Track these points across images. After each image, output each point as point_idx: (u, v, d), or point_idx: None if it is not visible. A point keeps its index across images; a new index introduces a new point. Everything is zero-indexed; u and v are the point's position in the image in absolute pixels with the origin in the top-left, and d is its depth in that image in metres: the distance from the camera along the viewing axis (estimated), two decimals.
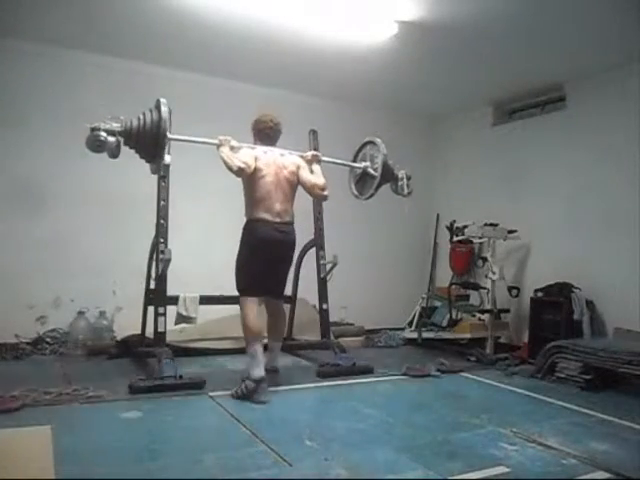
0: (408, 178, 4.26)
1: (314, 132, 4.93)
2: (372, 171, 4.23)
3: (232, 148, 3.71)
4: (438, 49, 4.68)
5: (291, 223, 3.84)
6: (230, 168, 3.61)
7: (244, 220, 3.81)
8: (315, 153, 4.11)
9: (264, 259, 3.71)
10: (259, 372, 3.52)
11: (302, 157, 3.99)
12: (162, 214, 4.08)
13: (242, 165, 3.61)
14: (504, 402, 3.80)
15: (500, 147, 6.14)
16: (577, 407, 3.63)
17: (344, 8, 3.97)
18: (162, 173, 4.08)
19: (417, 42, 4.51)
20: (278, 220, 3.73)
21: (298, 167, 3.90)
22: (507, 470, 2.52)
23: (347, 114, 6.26)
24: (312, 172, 3.94)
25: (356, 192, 4.42)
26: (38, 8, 4.15)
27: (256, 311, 3.71)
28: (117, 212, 5.03)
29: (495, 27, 4.19)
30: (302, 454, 2.61)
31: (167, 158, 4.09)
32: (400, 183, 4.26)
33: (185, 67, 5.31)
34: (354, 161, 4.41)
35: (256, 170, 3.70)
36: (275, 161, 3.81)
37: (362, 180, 4.37)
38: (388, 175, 4.23)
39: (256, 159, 3.72)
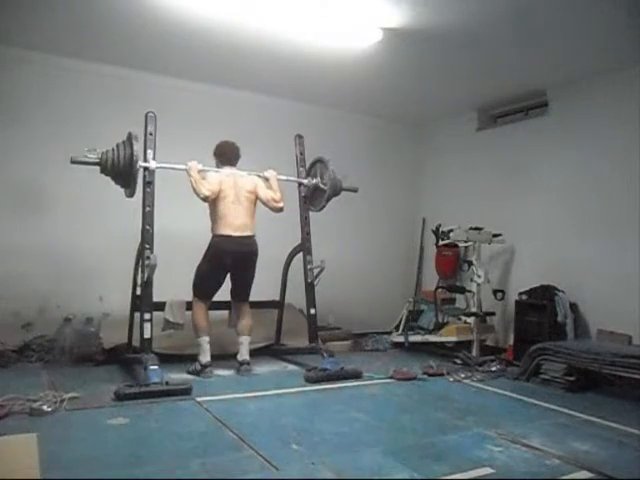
0: (354, 191, 4.90)
1: (300, 137, 4.99)
2: (322, 185, 4.79)
3: (199, 172, 4.24)
4: (423, 55, 4.73)
5: (251, 236, 4.39)
6: (197, 194, 4.18)
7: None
8: (272, 172, 4.59)
9: (222, 269, 4.33)
10: (205, 358, 4.25)
11: (260, 176, 4.54)
12: (148, 220, 4.07)
13: (208, 193, 4.19)
14: (489, 404, 3.83)
15: (485, 152, 6.21)
16: (561, 408, 3.67)
17: (328, 15, 4.00)
18: (148, 179, 4.11)
19: (402, 48, 4.56)
20: (238, 234, 4.30)
21: (256, 186, 4.47)
22: (492, 471, 2.54)
23: (333, 120, 6.32)
24: (270, 187, 4.51)
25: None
26: (34, 16, 4.17)
27: (203, 311, 4.36)
28: (103, 218, 5.03)
29: (479, 34, 4.25)
30: (289, 458, 2.62)
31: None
32: None
33: (179, 75, 5.37)
34: (307, 177, 4.93)
35: (219, 193, 4.27)
36: (236, 183, 4.37)
37: (314, 194, 4.91)
38: (336, 188, 4.77)
39: (220, 183, 4.28)
